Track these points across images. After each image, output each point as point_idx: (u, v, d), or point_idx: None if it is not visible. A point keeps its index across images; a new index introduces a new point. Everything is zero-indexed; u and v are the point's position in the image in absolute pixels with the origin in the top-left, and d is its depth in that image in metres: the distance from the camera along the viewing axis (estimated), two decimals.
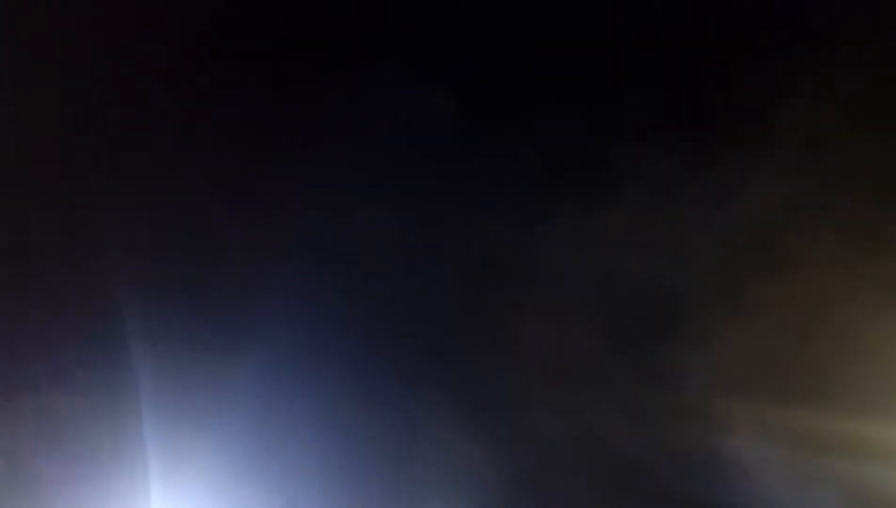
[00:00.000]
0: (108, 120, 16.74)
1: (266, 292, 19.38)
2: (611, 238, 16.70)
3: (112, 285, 16.87)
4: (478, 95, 17.29)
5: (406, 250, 19.31)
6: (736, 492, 16.49)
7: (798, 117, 15.02)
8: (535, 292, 18.28)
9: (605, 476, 18.10)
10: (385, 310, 19.77)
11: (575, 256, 16.96)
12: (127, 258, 16.46)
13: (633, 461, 17.03)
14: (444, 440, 19.44)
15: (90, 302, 17.21)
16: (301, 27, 18.53)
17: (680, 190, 16.35)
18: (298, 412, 20.99)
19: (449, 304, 20.04)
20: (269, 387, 19.37)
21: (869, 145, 14.73)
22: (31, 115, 15.96)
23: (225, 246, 17.65)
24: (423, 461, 19.91)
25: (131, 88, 16.31)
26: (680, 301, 16.58)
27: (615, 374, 17.42)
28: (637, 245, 16.72)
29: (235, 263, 18.35)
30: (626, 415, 17.16)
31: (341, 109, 17.12)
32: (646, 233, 16.54)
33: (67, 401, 16.37)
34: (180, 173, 18.57)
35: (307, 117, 17.97)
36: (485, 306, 18.86)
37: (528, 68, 17.26)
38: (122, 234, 16.96)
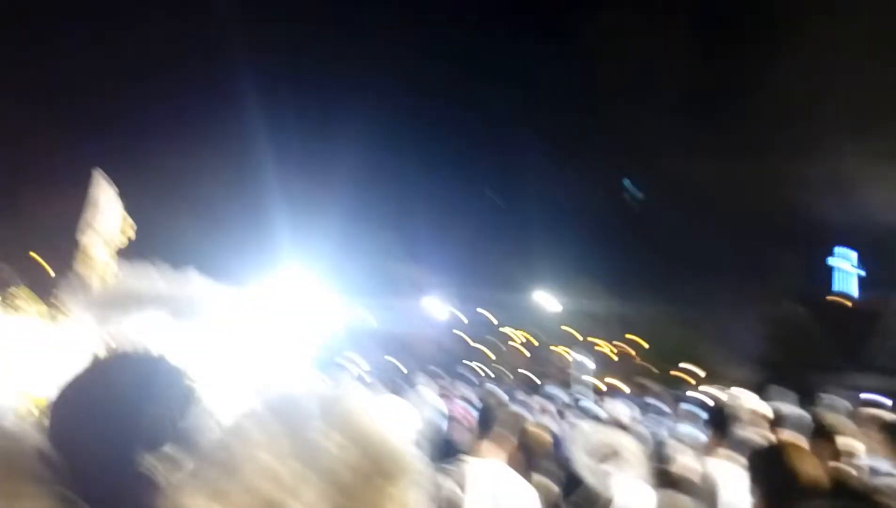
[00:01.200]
0: None
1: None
2: None
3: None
4: None
5: None
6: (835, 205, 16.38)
7: None
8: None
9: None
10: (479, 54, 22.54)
11: None
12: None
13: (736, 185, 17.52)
14: (545, 172, 21.32)
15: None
16: None
17: None
18: (411, 153, 23.45)
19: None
20: (382, 129, 21.47)
21: None
22: None
23: None
24: (527, 192, 22.30)
25: None
26: None
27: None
28: None
29: None
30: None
31: None
32: None
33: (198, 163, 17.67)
34: None
35: None
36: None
37: None
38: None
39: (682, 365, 28.20)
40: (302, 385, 1.32)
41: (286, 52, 22.72)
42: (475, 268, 27.89)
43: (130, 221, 4.70)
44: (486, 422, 3.67)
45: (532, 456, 4.54)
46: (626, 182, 27.14)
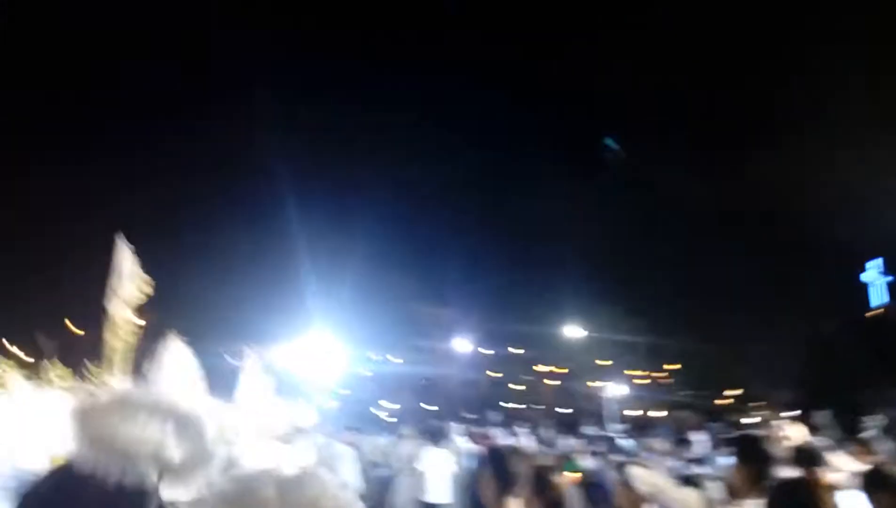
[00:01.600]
0: None
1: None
2: None
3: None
4: None
5: None
6: None
7: None
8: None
9: None
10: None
11: None
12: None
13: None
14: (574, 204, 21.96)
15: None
16: None
17: None
18: (436, 197, 24.08)
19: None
20: (407, 172, 22.03)
21: None
22: None
23: None
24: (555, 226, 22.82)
25: None
26: None
27: None
28: None
29: None
30: None
31: None
32: None
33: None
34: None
35: None
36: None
37: None
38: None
39: (722, 393, 27.50)
40: (266, 469, 1.12)
41: (312, 119, 23.38)
42: (504, 307, 27.79)
43: (147, 278, 4.85)
44: (509, 475, 3.64)
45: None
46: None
